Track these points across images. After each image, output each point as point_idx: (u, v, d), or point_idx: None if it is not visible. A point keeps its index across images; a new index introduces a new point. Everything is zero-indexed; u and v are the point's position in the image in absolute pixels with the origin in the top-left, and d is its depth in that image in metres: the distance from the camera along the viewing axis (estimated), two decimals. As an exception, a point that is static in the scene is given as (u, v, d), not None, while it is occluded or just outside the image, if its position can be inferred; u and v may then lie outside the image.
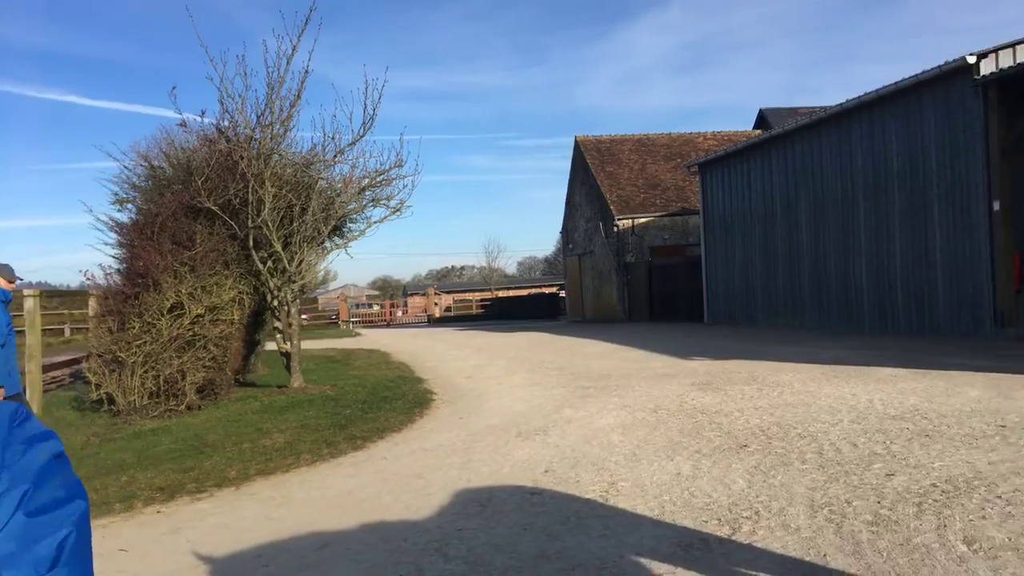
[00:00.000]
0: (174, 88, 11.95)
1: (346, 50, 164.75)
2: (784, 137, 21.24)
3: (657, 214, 33.27)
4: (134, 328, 10.79)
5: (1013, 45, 14.38)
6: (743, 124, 50.18)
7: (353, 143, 12.35)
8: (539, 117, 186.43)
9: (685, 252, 31.97)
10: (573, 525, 5.02)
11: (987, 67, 14.27)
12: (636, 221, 33.17)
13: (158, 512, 6.17)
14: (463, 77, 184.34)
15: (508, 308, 51.95)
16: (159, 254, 11.27)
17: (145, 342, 10.72)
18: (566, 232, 41.63)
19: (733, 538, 4.56)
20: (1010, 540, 4.22)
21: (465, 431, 8.68)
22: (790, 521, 4.76)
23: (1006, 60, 14.22)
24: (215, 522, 5.78)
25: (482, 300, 61.55)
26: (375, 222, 13.27)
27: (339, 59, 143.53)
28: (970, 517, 4.61)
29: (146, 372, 10.60)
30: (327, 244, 13.49)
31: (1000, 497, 4.95)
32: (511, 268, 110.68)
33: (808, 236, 20.34)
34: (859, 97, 17.19)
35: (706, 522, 4.88)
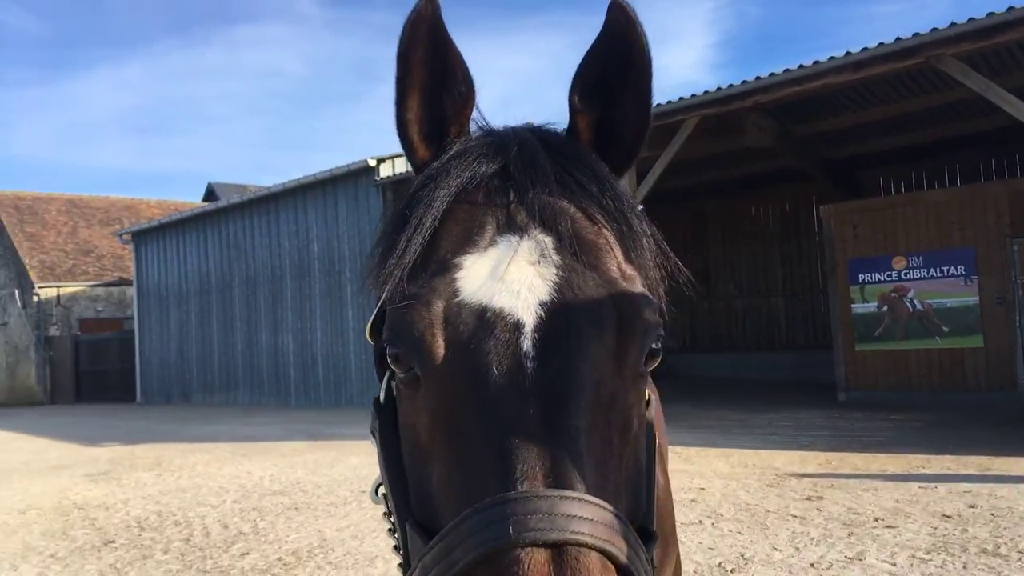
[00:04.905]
0: None
1: None
2: (220, 213, 21.40)
3: (90, 283, 30.32)
4: None
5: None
6: (194, 195, 49.41)
7: None
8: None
9: (123, 326, 29.62)
10: None
11: (385, 170, 16.53)
12: (63, 290, 29.72)
13: None
14: None
15: None
16: None
17: None
18: (-28, 300, 35.23)
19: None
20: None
21: None
22: (118, 623, 4.53)
23: (400, 167, 16.66)
24: None
25: None
26: None
27: None
28: (297, 587, 4.97)
29: None
30: None
31: (331, 563, 5.46)
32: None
33: (241, 312, 20.64)
34: (284, 183, 18.32)
35: (18, 643, 4.35)
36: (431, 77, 1.08)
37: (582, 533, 0.81)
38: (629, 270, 1.04)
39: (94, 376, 28.02)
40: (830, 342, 13.81)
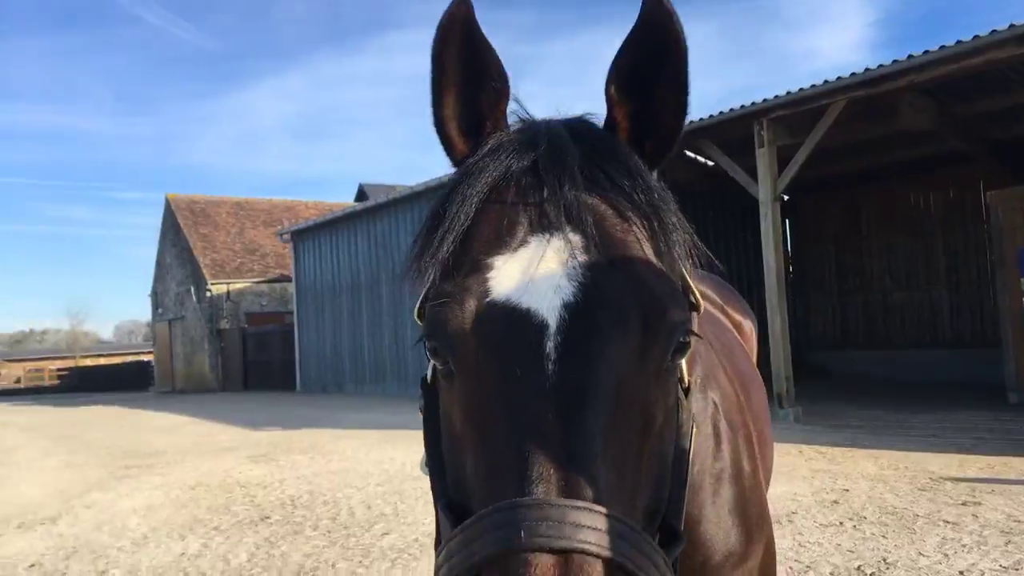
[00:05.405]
0: None
1: None
2: (369, 212, 22.46)
3: (255, 280, 32.62)
4: None
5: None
6: (347, 196, 51.89)
7: None
8: (145, 170, 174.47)
9: (285, 319, 31.66)
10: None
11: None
12: (232, 286, 32.13)
13: None
14: (49, 117, 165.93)
15: (90, 378, 46.27)
16: None
17: None
18: (156, 295, 38.74)
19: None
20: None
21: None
22: (270, 591, 4.90)
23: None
24: None
25: (60, 369, 53.98)
26: None
27: None
28: (428, 564, 5.18)
29: None
30: None
31: (463, 545, 5.65)
32: (107, 333, 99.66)
33: (388, 307, 21.56)
34: (427, 182, 18.93)
35: (184, 603, 4.80)
36: (466, 75, 1.12)
37: (588, 543, 0.86)
38: (657, 266, 1.04)
39: (259, 366, 30.12)
40: (999, 339, 12.75)
